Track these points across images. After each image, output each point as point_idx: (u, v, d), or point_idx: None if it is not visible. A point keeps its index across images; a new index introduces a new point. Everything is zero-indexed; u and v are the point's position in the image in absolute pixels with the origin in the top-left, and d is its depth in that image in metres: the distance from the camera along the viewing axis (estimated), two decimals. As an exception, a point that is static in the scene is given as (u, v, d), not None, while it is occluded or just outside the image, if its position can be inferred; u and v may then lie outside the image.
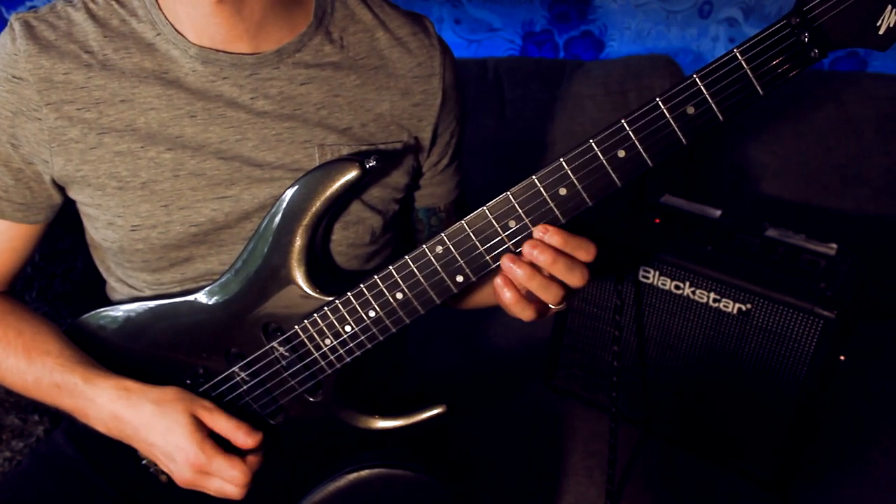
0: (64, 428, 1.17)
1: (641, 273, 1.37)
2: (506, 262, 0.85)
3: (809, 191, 1.78)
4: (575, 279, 0.85)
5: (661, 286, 1.36)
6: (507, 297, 0.88)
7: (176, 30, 0.94)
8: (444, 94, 1.05)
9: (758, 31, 0.74)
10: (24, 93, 0.94)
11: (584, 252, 0.85)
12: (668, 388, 1.43)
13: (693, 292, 1.33)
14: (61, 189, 1.01)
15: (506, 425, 1.50)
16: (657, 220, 1.40)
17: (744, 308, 1.28)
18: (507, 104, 1.79)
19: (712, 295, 1.31)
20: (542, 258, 0.83)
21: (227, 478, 0.93)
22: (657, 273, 1.35)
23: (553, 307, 0.91)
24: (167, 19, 0.94)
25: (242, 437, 0.94)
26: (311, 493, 0.98)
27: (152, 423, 0.94)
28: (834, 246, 1.31)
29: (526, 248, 0.84)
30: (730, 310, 1.30)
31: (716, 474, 1.39)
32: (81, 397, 0.97)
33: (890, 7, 0.70)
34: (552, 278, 0.86)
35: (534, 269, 0.85)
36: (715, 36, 2.03)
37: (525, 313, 0.90)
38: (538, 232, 0.84)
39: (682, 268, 1.33)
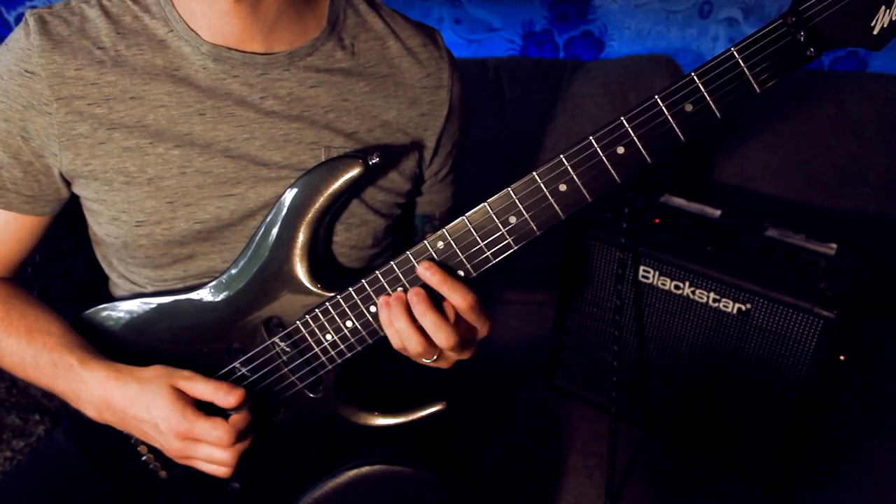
0: (65, 426, 1.17)
1: (641, 273, 1.37)
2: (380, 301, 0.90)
3: (809, 191, 1.78)
4: (427, 323, 0.88)
5: (661, 286, 1.36)
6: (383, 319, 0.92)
7: (189, 27, 0.95)
8: (450, 106, 1.06)
9: (757, 30, 0.75)
10: (36, 87, 0.95)
11: (460, 297, 0.87)
12: (668, 388, 1.43)
13: (693, 292, 1.33)
14: (69, 183, 1.02)
15: (506, 425, 1.50)
16: (657, 220, 1.40)
17: (744, 308, 1.28)
18: (507, 104, 1.79)
19: (712, 295, 1.31)
20: (418, 307, 0.88)
21: (212, 439, 0.94)
22: (657, 273, 1.35)
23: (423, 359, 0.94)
24: (180, 16, 0.95)
25: (223, 396, 0.95)
26: (311, 489, 0.98)
27: (137, 400, 0.95)
28: (834, 246, 1.31)
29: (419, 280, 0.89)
30: (729, 310, 1.30)
31: (716, 474, 1.39)
32: (76, 379, 0.98)
33: (884, 8, 0.72)
34: (419, 328, 0.89)
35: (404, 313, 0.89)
36: (715, 36, 2.03)
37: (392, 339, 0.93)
38: (421, 268, 0.88)
39: (682, 268, 1.33)
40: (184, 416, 0.93)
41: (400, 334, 0.90)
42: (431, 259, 0.89)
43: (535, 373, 1.61)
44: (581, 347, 1.51)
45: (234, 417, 0.96)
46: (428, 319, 0.87)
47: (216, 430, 0.93)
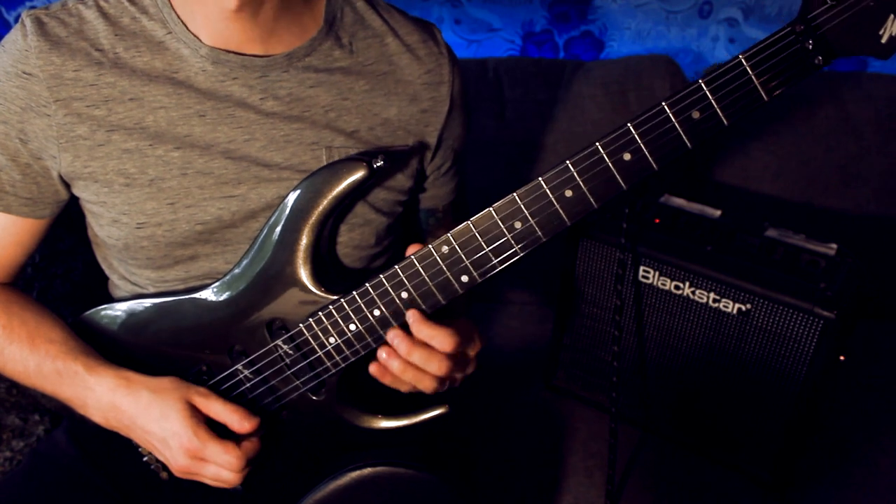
0: (65, 427, 1.17)
1: (641, 273, 1.37)
2: (382, 354, 0.92)
3: (809, 191, 1.78)
4: (433, 368, 0.91)
5: (661, 286, 1.36)
6: (387, 381, 0.96)
7: (188, 29, 0.95)
8: (451, 102, 1.06)
9: (757, 31, 0.75)
10: (34, 89, 0.94)
11: (440, 342, 0.90)
12: (668, 388, 1.43)
13: (693, 292, 1.33)
14: (68, 185, 1.01)
15: (506, 425, 1.50)
16: (657, 220, 1.40)
17: (744, 308, 1.28)
18: (506, 104, 1.79)
19: (712, 295, 1.31)
20: (402, 347, 0.90)
21: (222, 462, 0.93)
22: (657, 273, 1.36)
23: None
24: (179, 18, 0.95)
25: (238, 421, 0.95)
26: (313, 490, 0.98)
27: (148, 410, 0.94)
28: (834, 246, 1.31)
29: (389, 335, 0.91)
30: (730, 310, 1.30)
31: (716, 474, 1.40)
32: (82, 386, 0.98)
33: (892, 16, 0.72)
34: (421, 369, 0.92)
35: (407, 363, 0.92)
36: (715, 36, 2.03)
37: (402, 388, 0.97)
38: (409, 316, 0.91)
39: (682, 268, 1.33)
40: (196, 435, 0.93)
41: (412, 380, 0.93)
42: (435, 261, 0.89)
43: (535, 373, 1.61)
44: (581, 347, 1.51)
45: (247, 444, 0.96)
46: (416, 356, 0.90)
47: (227, 455, 0.93)
